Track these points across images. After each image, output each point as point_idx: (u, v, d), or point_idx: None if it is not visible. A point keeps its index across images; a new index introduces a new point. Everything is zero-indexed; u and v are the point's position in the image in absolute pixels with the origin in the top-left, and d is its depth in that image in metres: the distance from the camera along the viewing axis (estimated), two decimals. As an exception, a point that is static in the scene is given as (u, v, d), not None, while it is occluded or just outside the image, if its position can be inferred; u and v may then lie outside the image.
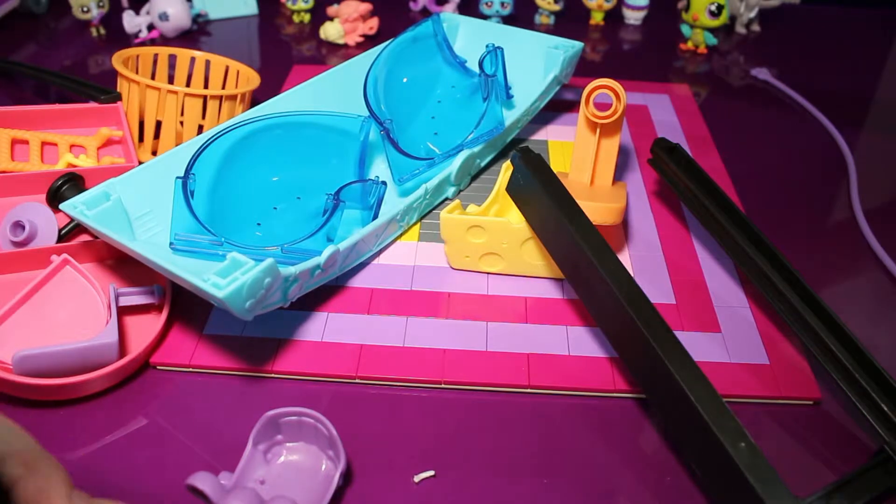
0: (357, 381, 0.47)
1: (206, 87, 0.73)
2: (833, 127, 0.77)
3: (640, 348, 0.40)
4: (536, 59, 0.70)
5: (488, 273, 0.55)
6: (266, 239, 0.55)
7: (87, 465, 0.42)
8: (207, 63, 0.73)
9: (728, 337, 0.50)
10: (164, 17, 0.89)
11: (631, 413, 0.46)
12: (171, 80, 0.75)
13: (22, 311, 0.48)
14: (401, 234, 0.59)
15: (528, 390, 0.47)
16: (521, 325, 0.51)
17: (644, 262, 0.57)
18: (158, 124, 0.64)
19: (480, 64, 0.62)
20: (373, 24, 0.92)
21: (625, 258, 0.57)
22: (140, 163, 0.60)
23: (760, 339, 0.50)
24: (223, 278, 0.41)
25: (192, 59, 0.73)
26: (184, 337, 0.49)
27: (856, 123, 0.78)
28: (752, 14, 0.99)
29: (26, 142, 0.63)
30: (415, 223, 0.60)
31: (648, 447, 0.44)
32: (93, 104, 0.66)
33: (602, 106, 0.55)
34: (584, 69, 0.88)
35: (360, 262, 0.55)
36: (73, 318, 0.48)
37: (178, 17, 0.90)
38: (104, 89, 0.68)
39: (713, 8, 0.89)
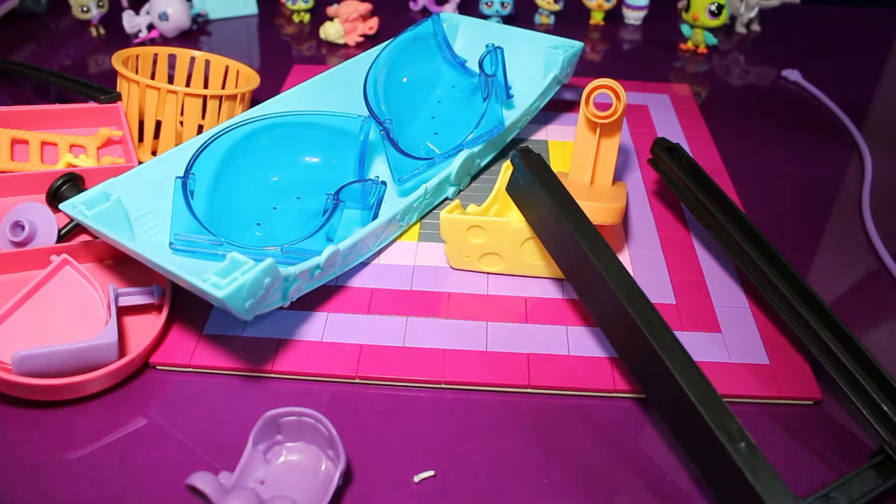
0: (357, 381, 0.47)
1: (205, 87, 0.73)
2: (854, 127, 0.77)
3: (640, 348, 0.40)
4: (536, 59, 0.70)
5: (488, 273, 0.55)
6: (266, 239, 0.55)
7: (88, 465, 0.42)
8: (207, 63, 0.73)
9: (728, 337, 0.50)
10: (163, 17, 0.89)
11: (631, 413, 0.46)
12: (170, 80, 0.75)
13: (22, 311, 0.48)
14: (401, 234, 0.59)
15: (528, 390, 0.47)
16: (521, 325, 0.51)
17: (644, 262, 0.57)
18: (158, 124, 0.64)
19: (480, 64, 0.62)
20: (373, 24, 0.92)
21: (625, 258, 0.57)
22: (140, 163, 0.60)
23: (760, 339, 0.50)
24: (223, 278, 0.41)
25: (192, 59, 0.73)
26: (183, 337, 0.49)
27: (857, 122, 0.78)
28: (752, 14, 0.99)
29: (26, 142, 0.63)
30: (415, 223, 0.60)
31: (648, 447, 0.44)
32: (93, 104, 0.66)
33: (602, 106, 0.55)
34: (584, 69, 0.88)
35: (360, 262, 0.55)
36: (72, 318, 0.48)
37: (178, 17, 0.90)
38: (104, 89, 0.68)
39: (713, 8, 0.89)
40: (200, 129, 0.66)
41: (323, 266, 0.49)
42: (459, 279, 0.55)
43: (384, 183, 0.54)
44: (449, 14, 0.77)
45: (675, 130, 0.74)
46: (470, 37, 0.76)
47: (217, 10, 0.98)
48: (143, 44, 0.91)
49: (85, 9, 0.93)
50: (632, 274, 0.51)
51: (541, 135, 0.73)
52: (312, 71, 0.82)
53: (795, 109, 0.82)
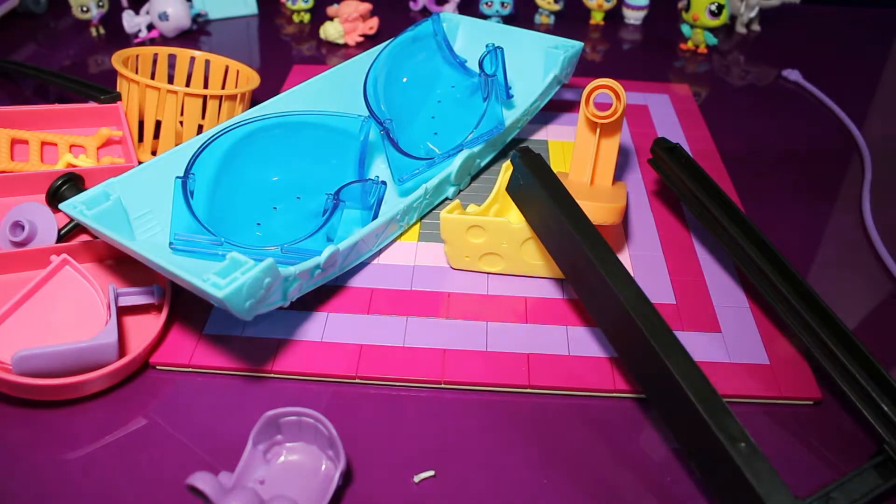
0: (357, 381, 0.47)
1: (205, 86, 0.73)
2: (854, 126, 0.77)
3: (640, 348, 0.40)
4: (536, 59, 0.70)
5: (488, 273, 0.55)
6: (266, 239, 0.55)
7: (87, 465, 0.42)
8: (207, 63, 0.73)
9: (728, 337, 0.50)
10: (163, 16, 0.89)
11: (631, 413, 0.46)
12: (170, 80, 0.75)
13: (21, 311, 0.48)
14: (401, 234, 0.59)
15: (528, 390, 0.47)
16: (521, 325, 0.51)
17: (644, 262, 0.57)
18: (158, 124, 0.64)
19: (480, 64, 0.62)
20: (373, 24, 0.92)
21: (625, 258, 0.57)
22: (140, 163, 0.60)
23: (760, 339, 0.50)
24: (223, 278, 0.41)
25: (192, 59, 0.73)
26: (183, 337, 0.49)
27: (857, 122, 0.78)
28: (753, 14, 0.99)
29: (26, 142, 0.63)
30: (415, 223, 0.60)
31: (648, 447, 0.44)
32: (93, 104, 0.66)
33: (602, 106, 0.55)
34: (584, 69, 0.88)
35: (360, 262, 0.55)
36: (72, 318, 0.48)
37: (178, 17, 0.90)
38: (104, 89, 0.68)
39: (713, 8, 0.89)
40: (200, 129, 0.66)
41: (323, 266, 0.49)
42: (459, 279, 0.55)
43: (384, 183, 0.54)
44: (449, 14, 0.77)
45: (675, 130, 0.74)
46: (470, 37, 0.76)
47: (217, 10, 0.98)
48: (143, 44, 0.91)
49: (85, 9, 0.93)
50: (632, 274, 0.51)
51: (541, 135, 0.73)
52: (312, 71, 0.82)
53: (795, 109, 0.82)
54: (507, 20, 0.96)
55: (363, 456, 0.43)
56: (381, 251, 0.57)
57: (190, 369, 0.48)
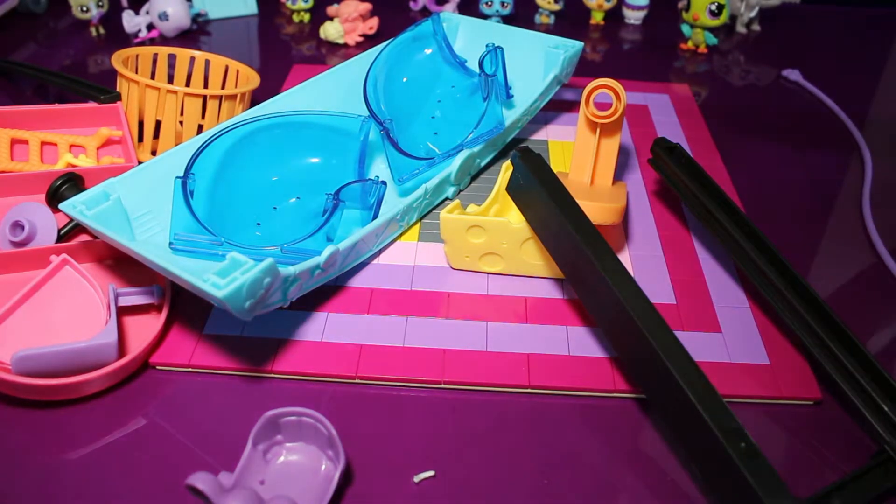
0: (357, 381, 0.47)
1: (205, 86, 0.73)
2: (854, 126, 0.77)
3: (640, 348, 0.40)
4: (536, 59, 0.70)
5: (488, 273, 0.55)
6: (266, 239, 0.55)
7: (87, 465, 0.42)
8: (207, 63, 0.73)
9: (728, 337, 0.50)
10: (163, 16, 0.89)
11: (631, 413, 0.46)
12: (170, 80, 0.75)
13: (21, 311, 0.48)
14: (401, 234, 0.59)
15: (528, 390, 0.47)
16: (521, 325, 0.51)
17: (644, 262, 0.57)
18: (158, 124, 0.64)
19: (480, 64, 0.62)
20: (372, 24, 0.92)
21: (625, 258, 0.57)
22: (139, 163, 0.60)
23: (760, 339, 0.50)
24: (222, 278, 0.41)
25: (192, 59, 0.73)
26: (183, 337, 0.49)
27: (857, 122, 0.78)
28: (753, 13, 0.99)
29: (26, 142, 0.63)
30: (415, 223, 0.60)
31: (648, 447, 0.44)
32: (92, 104, 0.66)
33: (602, 106, 0.55)
34: (584, 69, 0.88)
35: (360, 262, 0.55)
36: (72, 318, 0.48)
37: (178, 17, 0.90)
38: (104, 89, 0.68)
39: (713, 7, 0.89)
40: (200, 129, 0.66)
41: (323, 266, 0.49)
42: (459, 279, 0.55)
43: (384, 183, 0.54)
44: (449, 14, 0.77)
45: (675, 130, 0.74)
46: (470, 37, 0.76)
47: (217, 10, 0.98)
48: (142, 43, 0.91)
49: (84, 8, 0.93)
50: (632, 274, 0.51)
51: (541, 135, 0.72)
52: (312, 71, 0.82)
53: (795, 109, 0.82)
54: (507, 20, 0.96)
55: (363, 456, 0.43)
56: (381, 251, 0.57)
57: (190, 369, 0.48)
